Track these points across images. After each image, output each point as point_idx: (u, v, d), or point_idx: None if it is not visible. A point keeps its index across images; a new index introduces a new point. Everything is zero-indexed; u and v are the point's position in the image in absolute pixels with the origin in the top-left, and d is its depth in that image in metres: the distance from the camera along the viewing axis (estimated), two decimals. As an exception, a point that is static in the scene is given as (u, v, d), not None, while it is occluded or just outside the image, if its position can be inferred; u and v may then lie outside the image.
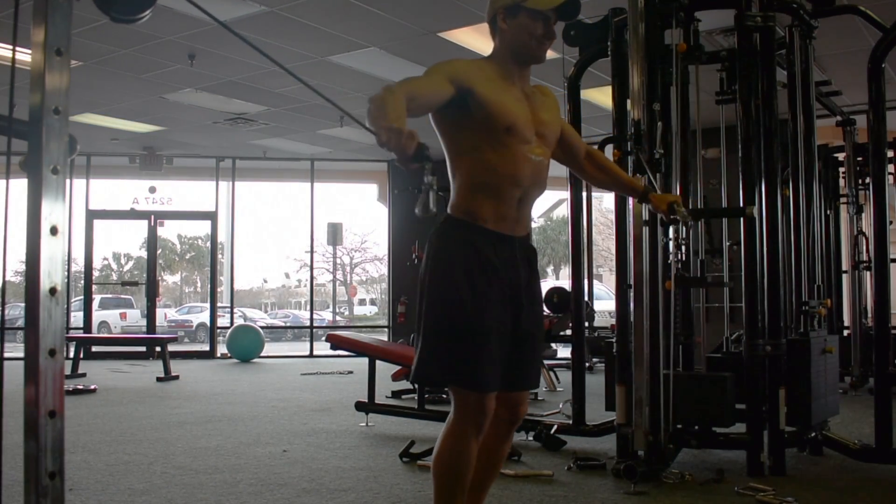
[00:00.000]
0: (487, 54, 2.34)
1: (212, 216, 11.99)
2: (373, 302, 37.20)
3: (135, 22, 1.41)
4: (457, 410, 2.20)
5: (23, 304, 2.77)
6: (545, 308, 7.21)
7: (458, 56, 6.64)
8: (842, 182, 7.34)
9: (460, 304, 2.15)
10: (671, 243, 3.63)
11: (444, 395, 6.05)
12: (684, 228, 3.66)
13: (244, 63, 7.24)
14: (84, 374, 8.24)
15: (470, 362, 2.15)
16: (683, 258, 3.71)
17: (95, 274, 14.08)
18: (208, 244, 16.20)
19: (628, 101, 3.71)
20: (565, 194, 4.86)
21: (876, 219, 3.85)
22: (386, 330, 12.60)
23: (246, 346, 10.88)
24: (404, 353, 5.43)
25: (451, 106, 2.16)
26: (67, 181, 1.21)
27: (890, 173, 5.07)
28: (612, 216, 4.52)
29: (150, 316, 11.85)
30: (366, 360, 5.17)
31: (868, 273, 6.59)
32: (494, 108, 2.16)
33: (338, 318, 27.47)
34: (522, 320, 2.26)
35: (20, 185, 1.22)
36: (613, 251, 4.13)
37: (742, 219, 3.76)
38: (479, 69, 2.22)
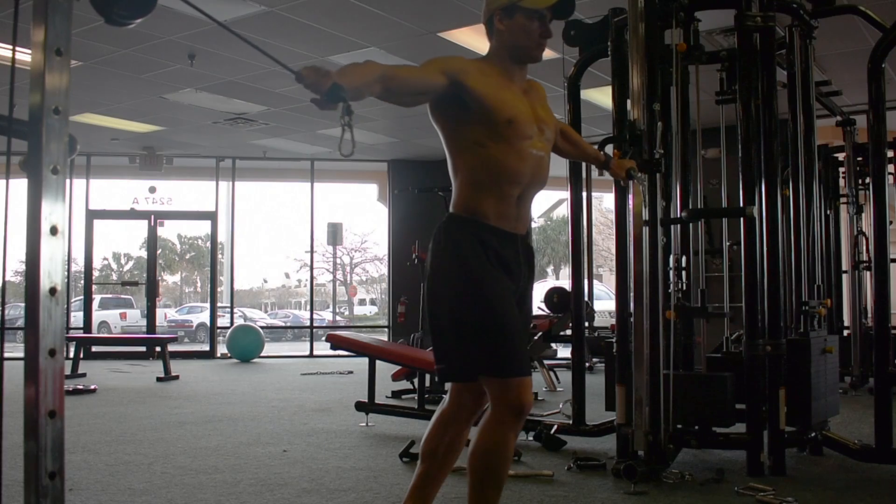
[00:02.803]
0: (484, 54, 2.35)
1: (212, 216, 11.99)
2: (373, 302, 37.20)
3: (130, 25, 1.41)
4: (495, 402, 2.19)
5: (23, 304, 2.77)
6: (545, 308, 7.22)
7: (459, 56, 6.65)
8: (842, 182, 7.34)
9: (483, 297, 2.16)
10: (671, 272, 3.68)
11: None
12: (684, 258, 3.80)
13: (244, 63, 7.24)
14: (84, 374, 8.25)
15: (506, 350, 2.16)
16: (684, 288, 3.76)
17: (95, 274, 14.06)
18: (208, 244, 16.19)
19: (628, 101, 3.71)
20: (565, 194, 4.86)
21: (876, 219, 3.84)
22: (386, 330, 12.60)
23: (246, 346, 10.88)
24: (404, 353, 5.43)
25: (448, 102, 2.17)
26: (67, 181, 1.21)
27: (890, 173, 5.07)
28: (612, 216, 4.52)
29: (150, 316, 11.85)
30: (366, 360, 5.17)
31: (868, 273, 6.59)
32: (492, 102, 2.17)
33: (338, 318, 27.47)
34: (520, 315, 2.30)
35: (20, 185, 1.22)
36: (613, 251, 4.13)
37: (742, 219, 3.76)
38: (477, 67, 2.24)
